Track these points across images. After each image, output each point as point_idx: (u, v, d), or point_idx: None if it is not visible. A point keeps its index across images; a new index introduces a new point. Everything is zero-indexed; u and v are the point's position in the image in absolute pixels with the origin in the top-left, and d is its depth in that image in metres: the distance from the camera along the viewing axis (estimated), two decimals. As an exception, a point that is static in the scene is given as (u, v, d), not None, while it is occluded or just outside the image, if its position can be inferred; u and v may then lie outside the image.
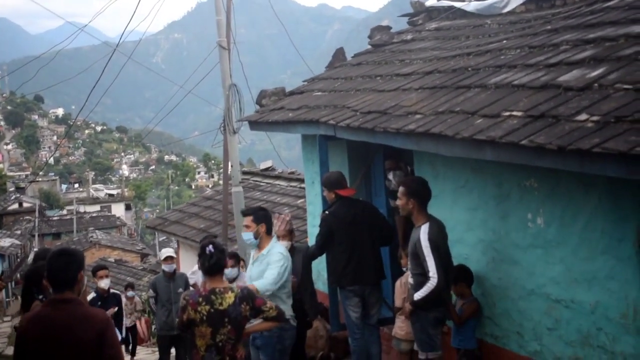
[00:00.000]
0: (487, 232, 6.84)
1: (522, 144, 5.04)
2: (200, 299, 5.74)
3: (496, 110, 5.81)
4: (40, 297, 6.64)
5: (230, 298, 5.75)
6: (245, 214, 7.58)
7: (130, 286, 16.74)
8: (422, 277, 6.47)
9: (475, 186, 6.93)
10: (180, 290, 10.61)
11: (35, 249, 49.56)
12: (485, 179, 6.75)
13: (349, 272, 7.85)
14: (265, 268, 7.22)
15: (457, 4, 10.17)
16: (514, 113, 5.59)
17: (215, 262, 5.86)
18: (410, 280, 6.76)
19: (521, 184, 6.23)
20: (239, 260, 9.75)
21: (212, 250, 5.87)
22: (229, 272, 8.78)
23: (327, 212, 8.07)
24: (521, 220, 6.30)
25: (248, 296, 5.86)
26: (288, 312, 7.30)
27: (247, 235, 7.34)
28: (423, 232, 6.44)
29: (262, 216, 7.41)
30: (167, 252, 11.67)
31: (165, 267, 11.35)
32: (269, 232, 7.45)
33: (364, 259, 7.87)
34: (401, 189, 6.68)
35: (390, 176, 8.72)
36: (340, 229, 7.86)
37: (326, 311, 9.28)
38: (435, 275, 6.33)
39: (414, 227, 6.64)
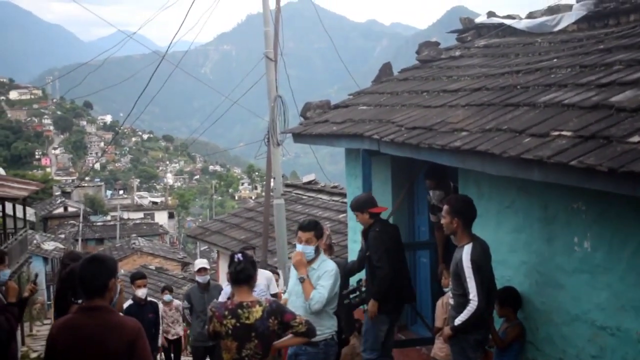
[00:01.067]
0: (531, 254, 6.67)
1: (571, 165, 4.89)
2: (226, 312, 5.64)
3: (545, 130, 5.67)
4: (79, 301, 6.62)
5: (257, 312, 5.64)
6: (306, 229, 7.32)
7: (167, 289, 14.48)
8: (463, 298, 6.32)
9: (521, 207, 6.77)
10: (216, 300, 10.60)
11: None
12: (531, 200, 6.59)
13: (392, 295, 7.83)
14: (315, 283, 7.11)
15: (508, 22, 10.02)
16: (564, 133, 5.44)
17: (241, 270, 5.76)
18: (451, 301, 6.62)
19: (568, 207, 6.05)
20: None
21: (241, 258, 5.79)
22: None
23: (377, 230, 7.94)
24: (567, 243, 6.12)
25: (277, 310, 5.73)
26: (333, 327, 7.20)
27: (309, 250, 7.19)
28: (466, 253, 6.29)
29: (320, 230, 7.31)
30: (201, 263, 11.66)
31: (199, 278, 11.35)
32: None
33: (406, 279, 7.87)
34: (445, 207, 6.54)
35: (431, 194, 8.57)
36: (390, 249, 7.86)
37: (362, 326, 9.15)
38: (476, 298, 6.17)
39: (457, 247, 6.50)
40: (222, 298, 9.95)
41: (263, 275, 9.99)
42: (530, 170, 5.49)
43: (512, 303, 6.76)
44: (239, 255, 5.83)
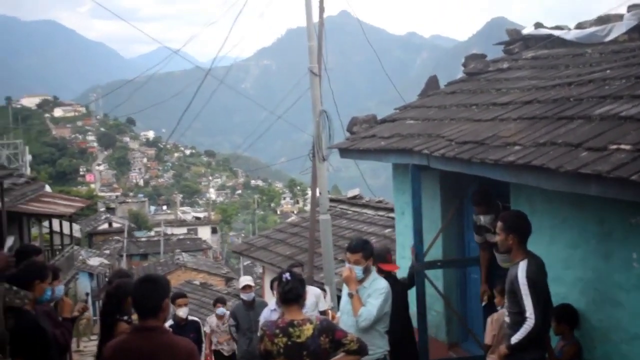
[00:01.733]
0: (587, 271, 6.53)
1: (632, 180, 4.77)
2: (277, 331, 5.57)
3: (602, 143, 5.55)
4: (125, 317, 6.62)
5: (308, 330, 5.55)
6: (354, 249, 7.26)
7: (220, 301, 13.84)
8: (519, 316, 6.17)
9: (575, 223, 6.62)
10: (259, 319, 10.50)
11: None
12: (586, 216, 6.44)
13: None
14: (365, 301, 7.05)
15: (556, 32, 9.87)
16: (622, 146, 5.32)
17: (289, 289, 5.69)
18: (507, 319, 6.48)
19: (625, 222, 5.91)
20: None
21: (289, 277, 5.73)
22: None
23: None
24: (625, 259, 5.97)
25: (328, 328, 5.63)
26: (385, 347, 7.14)
27: (357, 271, 7.10)
28: (521, 270, 6.15)
29: (370, 250, 7.21)
30: (245, 280, 11.59)
31: (244, 296, 11.27)
32: (373, 264, 7.31)
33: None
34: (499, 223, 6.41)
35: (482, 219, 8.31)
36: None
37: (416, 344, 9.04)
38: (533, 316, 6.02)
39: (512, 264, 6.37)
40: (266, 313, 9.90)
41: (312, 292, 9.90)
42: (587, 186, 5.37)
43: (569, 321, 6.61)
44: (287, 274, 5.79)
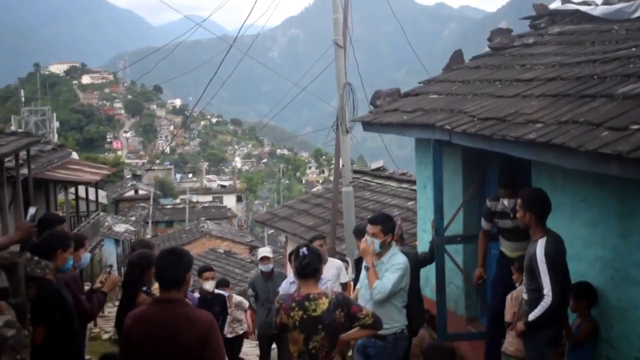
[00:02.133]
0: (606, 249, 6.51)
1: (651, 161, 4.75)
2: (294, 304, 5.64)
3: (624, 123, 5.50)
4: (145, 288, 6.70)
5: (324, 304, 5.62)
6: (374, 221, 7.31)
7: (223, 284, 12.70)
8: (536, 293, 6.22)
9: (596, 201, 6.60)
10: (277, 290, 10.41)
11: (148, 236, 51.21)
12: (606, 194, 6.42)
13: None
14: (382, 275, 7.11)
15: (583, 8, 9.75)
16: (644, 127, 5.28)
17: (306, 264, 5.75)
18: (525, 296, 6.52)
19: (647, 202, 5.89)
20: None
21: (306, 252, 5.79)
22: None
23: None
24: (645, 239, 5.96)
25: (343, 302, 5.71)
26: (403, 321, 7.21)
27: (375, 244, 7.16)
28: (540, 247, 6.18)
29: (391, 226, 7.24)
30: (264, 251, 11.62)
31: (262, 267, 11.30)
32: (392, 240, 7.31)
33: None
34: (519, 201, 6.45)
35: (506, 202, 8.20)
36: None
37: (433, 319, 9.12)
38: (550, 293, 6.07)
39: (531, 241, 6.39)
40: (285, 285, 9.98)
41: (333, 265, 9.97)
42: (608, 165, 5.34)
43: (587, 298, 6.62)
44: (304, 249, 5.84)
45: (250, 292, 11.60)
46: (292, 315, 5.61)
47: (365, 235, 7.33)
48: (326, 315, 5.61)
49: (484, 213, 8.54)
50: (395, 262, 7.10)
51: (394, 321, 7.10)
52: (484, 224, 8.54)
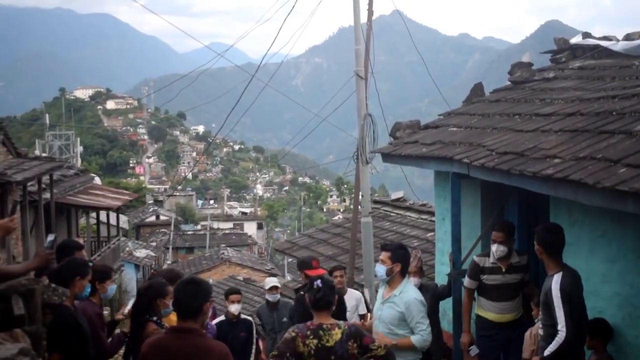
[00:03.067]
0: (624, 286, 6.49)
1: (668, 199, 4.75)
2: (309, 332, 5.64)
3: (641, 160, 5.52)
4: (155, 318, 6.69)
5: (337, 335, 5.63)
6: (384, 248, 7.37)
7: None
8: (552, 328, 6.18)
9: (615, 237, 6.59)
10: (285, 319, 10.34)
11: (168, 262, 51.32)
12: (625, 230, 6.41)
13: None
14: (399, 314, 7.05)
15: (604, 43, 9.78)
16: (661, 164, 5.28)
17: (321, 297, 5.78)
18: (540, 331, 6.50)
19: (664, 239, 5.87)
20: None
21: (320, 285, 5.82)
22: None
23: (301, 292, 8.13)
24: (663, 276, 5.94)
25: (356, 333, 5.71)
26: (419, 354, 7.19)
27: (380, 270, 7.22)
28: (555, 282, 6.17)
29: (401, 255, 7.21)
30: (272, 282, 11.56)
31: (269, 297, 11.19)
32: (403, 272, 7.24)
33: None
34: (536, 236, 6.46)
35: (494, 248, 8.05)
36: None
37: (450, 352, 9.08)
38: (564, 329, 6.03)
39: (547, 276, 6.37)
40: None
41: (353, 296, 9.90)
42: (624, 202, 5.34)
43: (602, 335, 6.58)
44: (318, 281, 5.88)
45: (257, 320, 11.56)
46: (307, 343, 5.61)
47: (376, 265, 7.37)
48: (339, 346, 5.61)
49: (469, 270, 8.31)
50: (410, 301, 7.04)
51: (410, 353, 7.09)
52: (469, 282, 8.30)
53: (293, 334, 5.72)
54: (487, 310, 8.16)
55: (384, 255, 7.23)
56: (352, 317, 9.45)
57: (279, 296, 11.40)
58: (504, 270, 8.06)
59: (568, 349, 6.11)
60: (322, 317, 5.79)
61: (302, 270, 8.52)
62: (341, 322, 5.91)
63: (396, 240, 15.14)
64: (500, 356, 8.30)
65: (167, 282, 7.11)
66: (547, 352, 6.20)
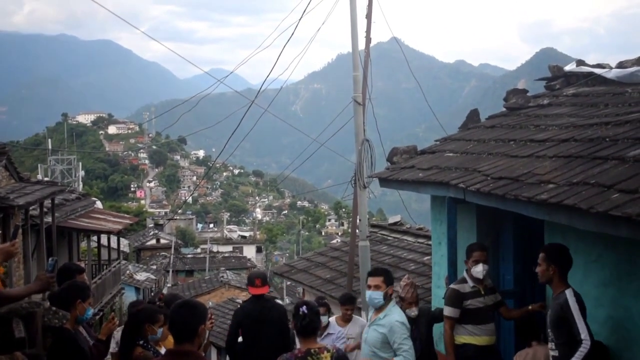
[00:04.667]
0: (618, 309, 6.55)
1: (659, 224, 4.83)
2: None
3: (634, 186, 5.61)
4: (142, 342, 6.71)
5: (326, 358, 5.69)
6: (375, 274, 7.52)
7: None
8: (566, 347, 6.16)
9: (608, 261, 6.67)
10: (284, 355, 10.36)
11: (169, 285, 51.25)
12: (619, 255, 6.49)
13: None
14: (382, 336, 7.21)
15: (598, 71, 9.91)
16: (653, 190, 5.37)
17: (308, 323, 5.84)
18: (554, 352, 6.40)
19: (657, 262, 5.95)
20: (329, 309, 9.78)
21: (306, 311, 5.87)
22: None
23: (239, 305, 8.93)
24: (656, 300, 6.00)
25: (343, 357, 5.83)
26: None
27: (377, 295, 7.32)
28: (570, 295, 6.19)
29: (391, 278, 7.40)
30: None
31: None
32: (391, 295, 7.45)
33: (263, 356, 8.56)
34: (542, 254, 6.49)
35: (479, 268, 8.06)
36: (247, 324, 8.77)
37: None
38: (588, 337, 6.02)
39: (554, 295, 6.40)
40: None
41: (358, 323, 9.83)
42: (617, 227, 5.43)
43: (600, 357, 6.61)
44: (304, 308, 5.93)
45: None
46: None
47: (366, 291, 7.52)
48: None
49: (450, 299, 8.23)
50: (393, 324, 7.18)
51: None
52: (452, 311, 8.18)
53: None
54: (475, 335, 8.10)
55: (376, 280, 7.36)
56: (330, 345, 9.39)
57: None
58: (483, 292, 8.11)
59: (591, 358, 6.07)
60: (309, 342, 5.85)
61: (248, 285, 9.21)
62: (329, 346, 5.99)
63: (393, 263, 15.25)
64: None
65: (166, 307, 7.17)
66: None
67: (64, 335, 5.83)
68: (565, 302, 6.18)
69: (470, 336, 8.13)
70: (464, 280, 8.20)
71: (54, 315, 5.60)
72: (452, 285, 8.33)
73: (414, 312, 8.62)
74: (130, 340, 6.62)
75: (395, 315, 7.28)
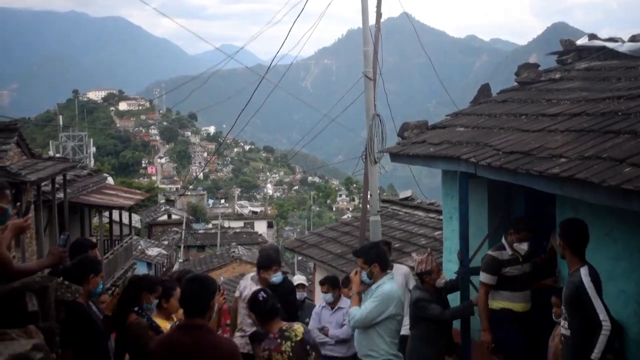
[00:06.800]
0: (630, 283, 6.56)
1: (671, 198, 4.81)
2: (279, 340, 5.77)
3: (646, 159, 5.59)
4: (136, 308, 6.77)
5: (299, 328, 5.88)
6: (355, 255, 7.70)
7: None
8: (581, 329, 6.10)
9: (620, 235, 6.66)
10: (307, 320, 10.09)
11: (180, 260, 51.53)
12: (631, 229, 6.48)
13: None
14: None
15: (610, 45, 9.82)
16: (665, 163, 5.35)
17: (270, 307, 5.94)
18: (566, 332, 6.33)
19: (669, 237, 5.93)
20: (335, 286, 9.75)
21: (265, 295, 5.97)
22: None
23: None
24: (668, 274, 6.00)
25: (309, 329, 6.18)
26: (388, 353, 7.34)
27: (364, 276, 7.43)
28: (584, 275, 6.09)
29: (373, 256, 7.44)
30: (299, 279, 11.50)
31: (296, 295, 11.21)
32: (383, 268, 7.47)
33: None
34: (559, 230, 6.48)
35: (524, 247, 8.35)
36: None
37: (458, 348, 9.12)
38: (608, 319, 5.91)
39: (569, 272, 6.36)
40: (317, 309, 9.95)
41: (400, 272, 9.62)
42: (629, 201, 5.41)
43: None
44: (262, 293, 6.02)
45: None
46: (283, 350, 5.73)
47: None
48: (307, 336, 5.88)
49: (488, 266, 8.36)
50: (377, 292, 7.28)
51: (376, 351, 7.29)
52: (489, 278, 8.33)
53: (266, 354, 5.78)
54: (512, 301, 8.26)
55: (359, 262, 7.47)
56: (401, 291, 8.89)
57: (305, 294, 11.30)
58: (521, 260, 8.27)
59: (612, 340, 5.98)
60: (276, 323, 5.95)
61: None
62: (296, 323, 6.09)
63: (404, 238, 15.25)
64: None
65: (177, 282, 7.21)
66: (596, 355, 5.92)
67: (77, 308, 5.88)
68: (580, 282, 6.07)
69: (508, 302, 8.27)
70: (502, 248, 8.37)
71: (67, 290, 5.63)
72: (490, 252, 8.47)
73: (443, 280, 8.61)
74: (126, 306, 6.69)
75: (385, 286, 7.35)
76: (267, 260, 8.44)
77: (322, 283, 9.90)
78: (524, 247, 8.31)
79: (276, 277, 8.51)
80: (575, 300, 6.14)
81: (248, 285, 8.34)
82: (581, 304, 6.08)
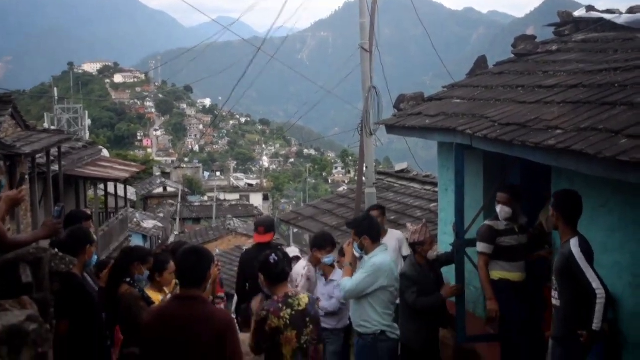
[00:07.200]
0: (625, 255, 6.57)
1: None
2: (280, 305, 5.82)
3: (642, 131, 5.57)
4: (128, 279, 6.80)
5: (304, 298, 5.93)
6: (349, 226, 7.80)
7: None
8: (572, 300, 6.14)
9: (616, 207, 6.66)
10: (293, 272, 10.32)
11: (176, 232, 51.59)
12: (626, 200, 6.47)
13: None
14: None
15: (607, 16, 9.77)
16: (662, 135, 5.33)
17: (281, 270, 6.00)
18: (556, 302, 6.36)
19: (664, 209, 5.93)
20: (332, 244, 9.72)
21: (276, 258, 6.00)
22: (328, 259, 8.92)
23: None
24: (662, 246, 6.00)
25: (315, 301, 6.17)
26: (382, 324, 7.41)
27: (356, 247, 7.50)
28: (574, 245, 6.11)
29: (365, 227, 7.51)
30: (294, 252, 11.55)
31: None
32: (375, 239, 7.53)
33: None
34: (553, 201, 6.48)
35: (498, 209, 8.35)
36: (249, 271, 8.45)
37: (453, 319, 9.15)
38: (601, 287, 5.92)
39: (561, 243, 6.38)
40: (298, 269, 9.79)
41: (394, 237, 9.86)
42: (625, 172, 5.40)
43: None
44: (273, 256, 6.03)
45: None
46: (282, 315, 5.79)
47: None
48: (310, 307, 5.92)
49: (484, 235, 8.42)
50: (369, 264, 7.34)
51: (370, 322, 7.36)
52: (485, 247, 8.39)
53: (263, 313, 5.83)
54: (509, 271, 8.30)
55: (352, 233, 7.56)
56: (394, 257, 9.14)
57: None
58: (517, 230, 8.29)
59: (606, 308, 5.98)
60: (282, 287, 6.02)
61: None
62: (297, 289, 6.19)
63: (400, 210, 15.27)
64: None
65: (171, 255, 7.23)
66: (596, 325, 5.93)
67: (71, 280, 5.89)
68: (570, 253, 6.11)
69: (506, 272, 8.32)
70: (498, 218, 8.39)
71: (61, 261, 5.63)
72: (486, 222, 8.51)
73: (435, 253, 8.68)
74: (117, 276, 6.71)
75: (377, 258, 7.41)
76: (322, 240, 8.81)
77: (321, 246, 9.09)
78: (500, 209, 8.28)
79: (328, 258, 8.80)
80: (566, 271, 6.17)
81: (305, 265, 8.90)
82: (572, 274, 6.11)
